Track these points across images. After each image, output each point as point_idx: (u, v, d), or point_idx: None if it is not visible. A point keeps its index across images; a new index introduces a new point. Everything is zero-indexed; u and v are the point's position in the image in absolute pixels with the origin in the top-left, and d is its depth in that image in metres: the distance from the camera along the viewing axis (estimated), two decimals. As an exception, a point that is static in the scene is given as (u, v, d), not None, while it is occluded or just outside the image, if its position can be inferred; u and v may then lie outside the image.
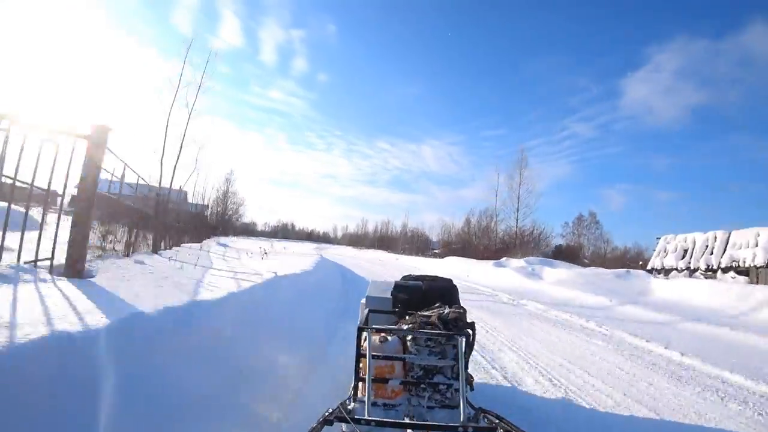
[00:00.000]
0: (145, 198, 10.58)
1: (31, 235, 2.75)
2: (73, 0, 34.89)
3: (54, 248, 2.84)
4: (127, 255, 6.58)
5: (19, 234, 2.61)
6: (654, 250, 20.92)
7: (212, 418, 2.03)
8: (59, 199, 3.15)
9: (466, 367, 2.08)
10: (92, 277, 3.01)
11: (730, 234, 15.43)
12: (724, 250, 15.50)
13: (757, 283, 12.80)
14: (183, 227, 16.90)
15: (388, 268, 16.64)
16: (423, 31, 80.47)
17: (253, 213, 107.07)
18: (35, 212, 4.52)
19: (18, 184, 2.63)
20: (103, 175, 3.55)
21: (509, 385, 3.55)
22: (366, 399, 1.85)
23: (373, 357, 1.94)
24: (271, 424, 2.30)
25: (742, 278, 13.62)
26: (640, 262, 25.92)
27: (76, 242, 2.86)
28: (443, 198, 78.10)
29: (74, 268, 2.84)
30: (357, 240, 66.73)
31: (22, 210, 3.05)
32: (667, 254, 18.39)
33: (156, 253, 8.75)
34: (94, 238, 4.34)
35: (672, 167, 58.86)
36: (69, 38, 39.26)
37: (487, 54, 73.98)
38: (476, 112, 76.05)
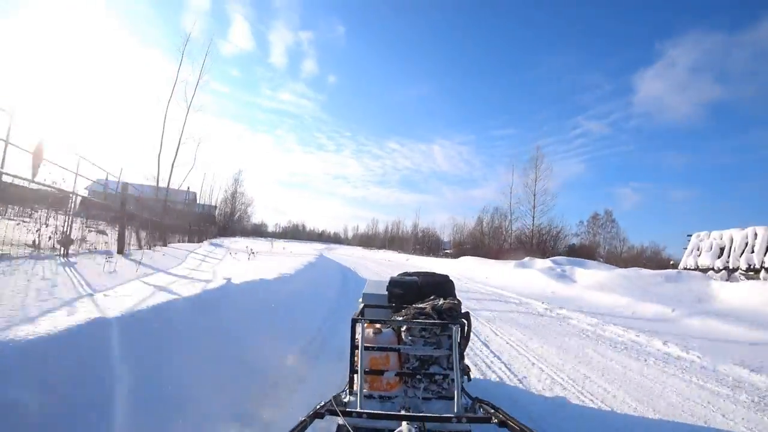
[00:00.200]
0: (117, 196, 9.39)
1: None
2: (85, 8, 34.42)
3: None
4: (65, 255, 5.18)
5: None
6: (685, 249, 19.43)
7: None
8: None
9: (462, 357, 2.14)
10: None
11: (773, 230, 13.47)
12: (767, 248, 13.73)
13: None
14: (174, 226, 15.76)
15: (397, 271, 14.69)
16: (432, 31, 79.45)
17: (264, 214, 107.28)
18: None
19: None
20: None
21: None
22: (358, 391, 1.83)
23: (367, 348, 1.95)
24: None
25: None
26: (671, 262, 24.83)
27: None
28: (454, 198, 76.75)
29: None
30: (367, 240, 65.98)
31: None
32: (700, 253, 16.78)
33: (120, 252, 7.52)
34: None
35: (687, 165, 55.97)
36: (82, 46, 39.23)
37: (497, 53, 72.74)
38: (486, 111, 74.57)
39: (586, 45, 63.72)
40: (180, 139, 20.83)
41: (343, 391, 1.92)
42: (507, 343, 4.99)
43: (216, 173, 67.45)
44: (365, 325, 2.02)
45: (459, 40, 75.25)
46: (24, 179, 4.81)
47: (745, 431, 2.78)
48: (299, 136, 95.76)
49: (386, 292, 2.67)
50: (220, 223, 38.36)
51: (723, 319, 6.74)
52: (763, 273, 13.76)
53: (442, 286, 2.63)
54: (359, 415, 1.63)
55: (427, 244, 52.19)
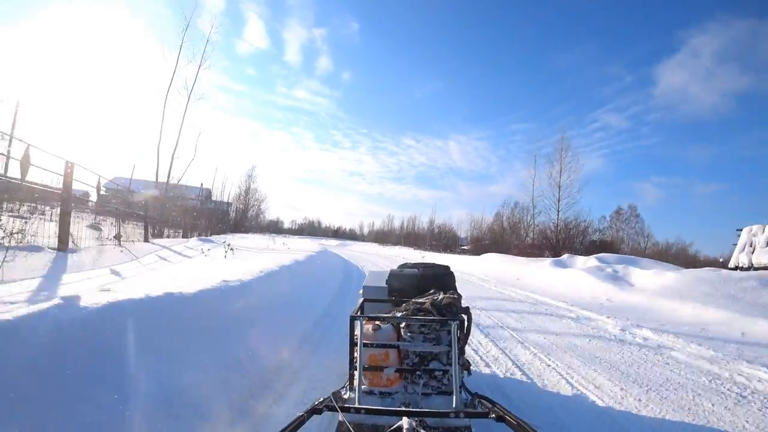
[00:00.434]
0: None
1: None
2: (99, 10, 33.77)
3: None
4: None
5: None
6: (735, 245, 17.05)
7: None
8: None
9: (462, 353, 2.13)
10: None
11: None
12: None
13: None
14: (164, 220, 14.36)
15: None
16: (447, 26, 76.99)
17: (280, 211, 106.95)
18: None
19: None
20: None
21: None
22: (357, 387, 1.84)
23: (365, 345, 1.94)
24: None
25: None
26: (721, 260, 22.20)
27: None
28: (470, 194, 74.55)
29: None
30: (383, 237, 64.56)
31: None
32: (754, 249, 14.46)
33: (61, 249, 5.89)
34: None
35: (714, 158, 52.34)
36: (94, 48, 39.06)
37: (513, 47, 70.43)
38: (503, 106, 72.52)
39: (605, 35, 60.89)
40: (180, 130, 19.52)
41: (343, 388, 1.95)
42: (598, 418, 2.75)
43: (232, 171, 67.42)
44: (364, 321, 2.00)
45: (474, 33, 73.50)
46: None
47: None
48: (315, 134, 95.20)
49: (385, 285, 2.66)
50: (233, 219, 37.46)
51: None
52: None
53: (442, 278, 2.61)
54: (358, 410, 1.63)
55: (444, 240, 50.00)
